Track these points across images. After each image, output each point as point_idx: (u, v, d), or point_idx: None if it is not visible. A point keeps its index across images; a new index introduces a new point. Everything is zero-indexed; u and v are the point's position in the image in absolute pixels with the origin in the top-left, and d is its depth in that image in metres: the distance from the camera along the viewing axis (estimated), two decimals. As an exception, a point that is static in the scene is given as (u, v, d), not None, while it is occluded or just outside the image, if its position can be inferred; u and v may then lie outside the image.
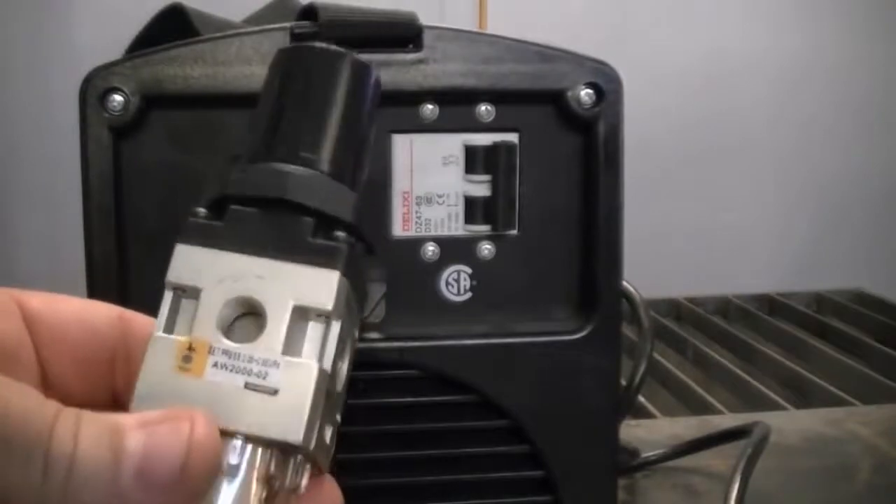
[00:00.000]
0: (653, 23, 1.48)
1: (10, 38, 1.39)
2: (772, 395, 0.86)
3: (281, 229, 0.25)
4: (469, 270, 0.43)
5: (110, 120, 0.40)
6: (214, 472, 0.22)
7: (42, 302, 0.26)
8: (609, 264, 0.43)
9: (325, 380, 0.24)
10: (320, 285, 0.24)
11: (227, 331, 0.24)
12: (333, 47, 0.28)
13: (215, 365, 0.23)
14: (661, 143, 1.45)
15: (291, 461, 0.24)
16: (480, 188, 0.42)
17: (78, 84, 0.40)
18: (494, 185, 0.42)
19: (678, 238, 1.52)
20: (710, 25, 1.50)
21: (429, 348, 0.42)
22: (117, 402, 0.27)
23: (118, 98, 0.40)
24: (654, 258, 1.20)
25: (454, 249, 0.43)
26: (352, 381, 0.27)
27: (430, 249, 0.42)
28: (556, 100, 0.42)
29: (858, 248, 1.56)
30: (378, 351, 0.42)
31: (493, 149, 0.42)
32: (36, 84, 1.39)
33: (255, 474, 0.23)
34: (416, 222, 0.42)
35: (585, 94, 0.42)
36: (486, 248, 0.43)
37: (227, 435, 0.23)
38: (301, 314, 0.24)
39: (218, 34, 0.42)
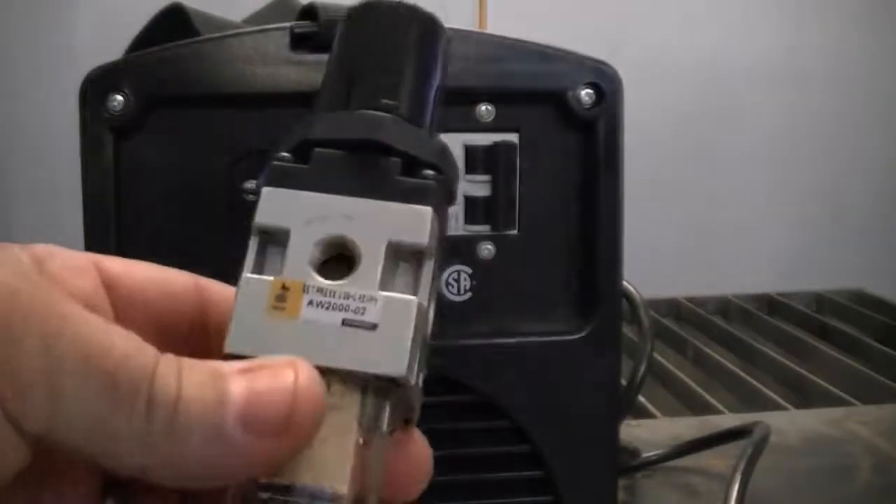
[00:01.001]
0: (653, 23, 1.48)
1: (10, 38, 1.39)
2: (772, 395, 0.86)
3: (369, 170, 0.25)
4: (469, 270, 0.43)
5: (110, 120, 0.40)
6: (319, 419, 0.21)
7: (120, 265, 0.25)
8: (609, 264, 0.43)
9: (423, 316, 0.24)
10: (413, 221, 0.24)
11: (320, 270, 0.24)
12: (405, 2, 0.28)
13: (310, 304, 0.23)
14: (661, 143, 1.45)
15: (388, 405, 0.23)
16: (480, 188, 0.42)
17: (78, 84, 0.40)
18: (494, 185, 0.42)
19: (678, 238, 1.52)
20: (710, 26, 1.50)
21: (429, 348, 0.42)
22: None
23: (118, 98, 0.40)
24: (654, 258, 1.20)
25: (454, 249, 0.43)
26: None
27: (430, 249, 0.42)
28: (556, 100, 0.42)
29: (858, 248, 1.56)
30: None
31: (493, 149, 0.42)
32: (36, 84, 1.39)
33: (357, 415, 0.22)
34: (416, 222, 0.42)
35: (585, 94, 0.42)
36: (486, 248, 0.43)
37: (327, 374, 0.22)
38: (395, 251, 0.24)
39: (218, 34, 0.42)
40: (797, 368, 0.94)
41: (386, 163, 0.25)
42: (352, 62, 0.27)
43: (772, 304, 1.20)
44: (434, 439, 0.43)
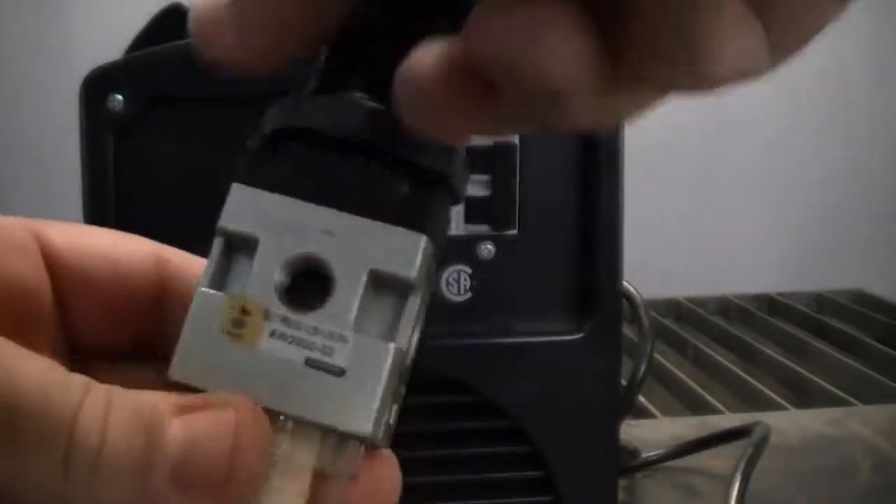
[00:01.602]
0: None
1: (10, 38, 1.39)
2: (772, 395, 0.86)
3: (358, 176, 0.21)
4: (469, 270, 0.43)
5: (110, 120, 0.40)
6: (262, 474, 0.19)
7: (65, 236, 0.22)
8: (609, 264, 0.43)
9: (400, 360, 0.21)
10: (402, 249, 0.20)
11: (288, 292, 0.20)
12: None
13: (272, 334, 0.20)
14: (661, 142, 1.45)
15: (349, 448, 0.21)
16: (480, 188, 0.42)
17: (78, 84, 0.40)
18: (494, 185, 0.42)
19: (678, 238, 1.52)
20: (710, 25, 1.50)
21: (429, 348, 0.42)
22: (145, 349, 0.23)
23: (118, 98, 0.40)
24: (654, 258, 1.20)
25: (454, 249, 0.43)
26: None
27: (430, 249, 0.42)
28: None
29: (858, 248, 1.56)
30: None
31: (493, 149, 0.42)
32: (36, 84, 1.39)
33: (309, 466, 0.20)
34: (416, 222, 0.42)
35: (585, 94, 0.42)
36: (486, 248, 0.43)
37: (279, 420, 0.20)
38: (376, 280, 0.20)
39: (218, 34, 0.42)
40: (797, 368, 0.94)
41: (380, 169, 0.21)
42: (355, 33, 0.21)
43: (772, 304, 1.20)
44: (434, 439, 0.44)
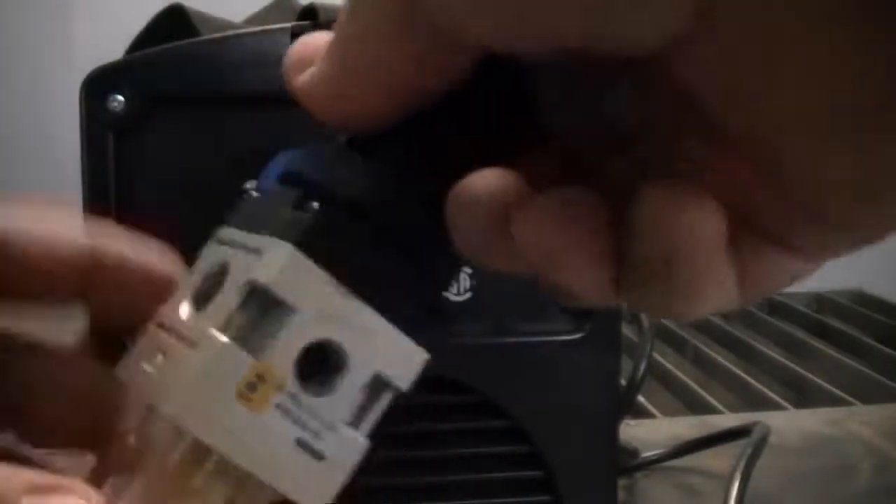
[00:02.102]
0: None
1: (10, 38, 1.39)
2: (772, 395, 0.86)
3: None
4: (469, 270, 0.43)
5: (110, 120, 0.40)
6: None
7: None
8: (609, 264, 0.43)
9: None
10: (407, 361, 0.22)
11: (301, 371, 0.21)
12: None
13: (278, 406, 0.20)
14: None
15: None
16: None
17: (78, 84, 0.40)
18: (494, 185, 0.42)
19: (678, 238, 1.51)
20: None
21: (429, 348, 0.42)
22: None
23: (118, 98, 0.40)
24: (654, 258, 1.20)
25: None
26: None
27: (430, 249, 0.42)
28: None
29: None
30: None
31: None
32: (36, 84, 1.39)
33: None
34: (416, 222, 0.42)
35: (585, 94, 0.42)
36: (486, 248, 0.43)
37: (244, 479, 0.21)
38: (375, 382, 0.22)
39: (218, 34, 0.42)
40: (797, 368, 0.94)
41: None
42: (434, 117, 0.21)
43: (772, 304, 1.20)
44: (434, 439, 0.44)
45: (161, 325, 0.22)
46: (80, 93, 0.40)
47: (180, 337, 0.21)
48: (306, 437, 0.21)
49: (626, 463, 0.60)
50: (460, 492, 0.44)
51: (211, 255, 0.23)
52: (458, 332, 0.43)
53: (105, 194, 0.40)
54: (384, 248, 0.21)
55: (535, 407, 0.43)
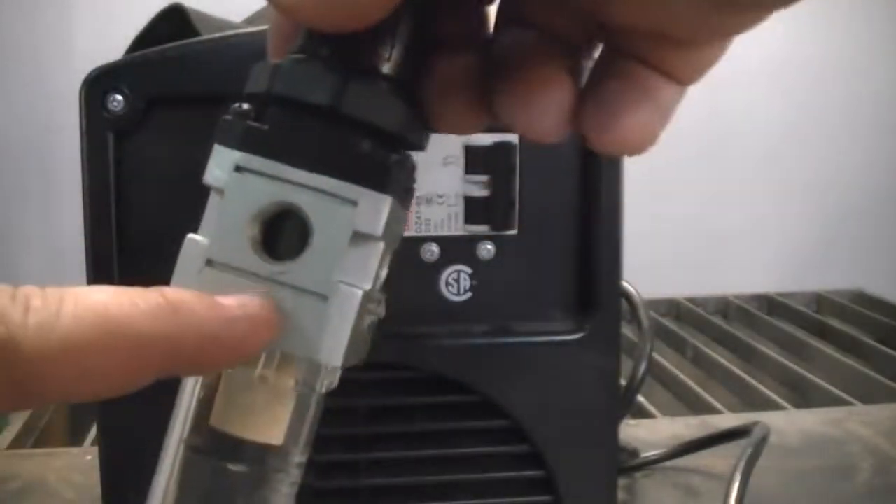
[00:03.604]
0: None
1: (10, 38, 1.39)
2: (772, 395, 0.86)
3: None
4: (469, 270, 0.43)
5: (110, 120, 0.40)
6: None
7: None
8: (609, 264, 0.43)
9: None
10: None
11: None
12: None
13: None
14: (661, 142, 1.45)
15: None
16: (480, 188, 0.42)
17: (78, 84, 0.40)
18: (494, 185, 0.42)
19: (678, 238, 1.52)
20: (710, 25, 1.49)
21: (429, 348, 0.42)
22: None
23: (118, 98, 0.40)
24: (654, 258, 1.20)
25: (454, 249, 0.43)
26: (352, 383, 0.27)
27: (430, 249, 0.42)
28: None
29: (858, 248, 1.56)
30: (378, 351, 0.42)
31: (493, 149, 0.42)
32: (36, 84, 1.39)
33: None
34: (416, 222, 0.42)
35: (585, 94, 0.42)
36: (486, 248, 0.43)
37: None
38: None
39: (218, 34, 0.42)
40: (797, 368, 0.94)
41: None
42: None
43: (771, 304, 1.20)
44: (434, 439, 0.44)
45: (211, 263, 0.24)
46: (80, 93, 0.40)
47: (273, 282, 0.24)
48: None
49: (626, 463, 0.60)
50: (460, 492, 0.44)
51: (248, 190, 0.24)
52: (458, 332, 0.43)
53: (105, 194, 0.40)
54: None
55: (535, 407, 0.43)
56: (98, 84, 0.40)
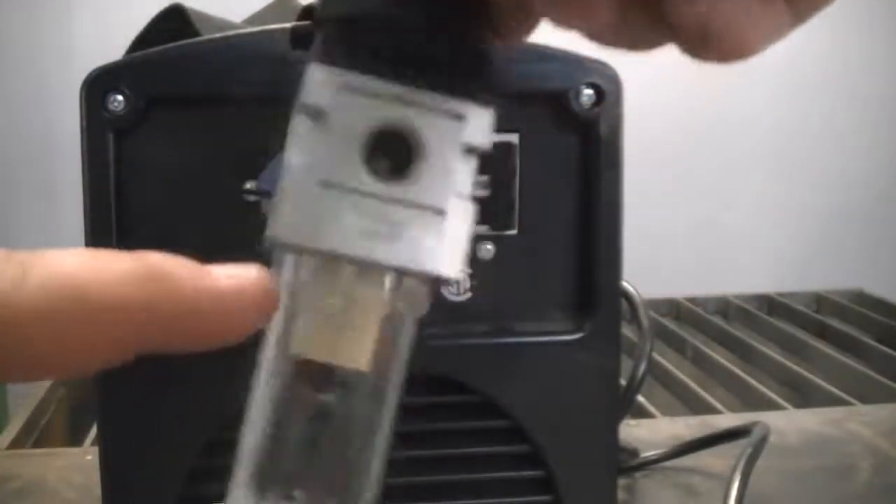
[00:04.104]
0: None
1: (9, 38, 1.39)
2: (772, 395, 0.86)
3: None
4: (469, 270, 0.43)
5: (110, 120, 0.40)
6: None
7: None
8: (608, 264, 0.43)
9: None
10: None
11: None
12: None
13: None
14: (661, 143, 1.45)
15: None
16: (480, 188, 0.42)
17: (78, 84, 0.40)
18: (494, 185, 0.42)
19: (678, 238, 1.52)
20: (710, 25, 1.49)
21: (429, 348, 0.42)
22: None
23: (118, 98, 0.40)
24: (654, 258, 1.20)
25: (454, 249, 0.42)
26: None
27: (430, 249, 0.42)
28: (556, 100, 0.42)
29: (858, 248, 1.56)
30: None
31: (493, 149, 0.42)
32: (36, 84, 1.39)
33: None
34: (416, 222, 0.42)
35: (585, 94, 0.42)
36: (486, 248, 0.43)
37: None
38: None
39: (218, 34, 0.42)
40: (797, 368, 0.94)
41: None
42: None
43: (772, 304, 1.20)
44: (434, 439, 0.44)
45: (324, 183, 0.23)
46: (80, 93, 0.40)
47: (385, 200, 0.23)
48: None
49: (626, 463, 0.60)
50: (460, 491, 0.44)
51: (361, 110, 0.24)
52: (457, 332, 0.43)
53: (105, 194, 0.40)
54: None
55: (535, 407, 0.43)
56: (98, 84, 0.40)
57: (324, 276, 0.24)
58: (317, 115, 0.23)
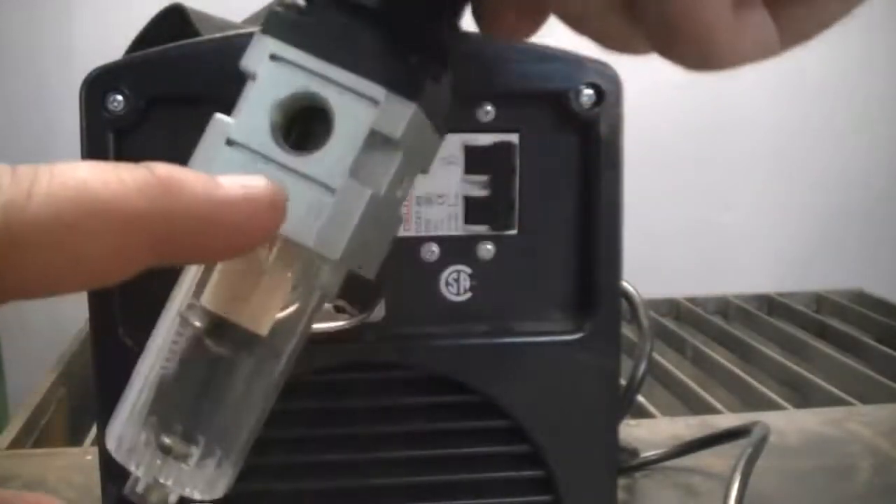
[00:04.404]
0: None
1: (9, 38, 1.39)
2: (772, 395, 0.86)
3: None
4: (469, 270, 0.43)
5: (110, 120, 0.40)
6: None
7: None
8: (609, 264, 0.43)
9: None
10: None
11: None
12: None
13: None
14: (660, 143, 1.45)
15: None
16: (480, 188, 0.42)
17: (78, 84, 0.40)
18: (494, 185, 0.42)
19: (678, 238, 1.52)
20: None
21: (429, 348, 0.42)
22: None
23: (118, 98, 0.40)
24: (654, 258, 1.20)
25: (454, 249, 0.43)
26: (351, 383, 0.27)
27: (430, 249, 0.42)
28: (556, 100, 0.42)
29: (858, 248, 1.56)
30: (378, 351, 0.42)
31: (493, 149, 0.42)
32: (36, 84, 1.39)
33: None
34: (416, 222, 0.42)
35: (586, 94, 0.42)
36: (486, 248, 0.43)
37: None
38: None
39: (218, 34, 0.42)
40: (797, 368, 0.94)
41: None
42: None
43: (772, 304, 1.20)
44: (434, 439, 0.44)
45: (231, 143, 0.25)
46: (80, 93, 0.40)
47: (286, 169, 0.24)
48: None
49: (626, 463, 0.60)
50: (460, 491, 0.44)
51: (278, 78, 0.25)
52: (458, 332, 0.43)
53: (105, 194, 0.40)
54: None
55: (535, 407, 0.43)
56: (98, 84, 0.40)
57: None
58: (251, 78, 0.25)
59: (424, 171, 0.26)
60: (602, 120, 0.42)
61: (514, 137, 0.42)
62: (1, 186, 0.18)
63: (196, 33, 0.44)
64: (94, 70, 0.40)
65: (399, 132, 0.24)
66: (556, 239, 0.43)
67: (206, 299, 0.24)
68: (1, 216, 0.17)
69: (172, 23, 0.45)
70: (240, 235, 0.21)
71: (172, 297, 0.25)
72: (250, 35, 0.41)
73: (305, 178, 0.23)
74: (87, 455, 0.64)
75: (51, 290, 0.19)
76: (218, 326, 0.24)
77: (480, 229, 0.42)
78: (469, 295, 0.43)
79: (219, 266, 0.24)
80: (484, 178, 0.42)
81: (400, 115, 0.24)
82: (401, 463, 0.43)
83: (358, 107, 0.24)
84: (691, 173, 1.53)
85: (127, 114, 0.40)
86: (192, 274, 0.25)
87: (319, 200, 0.23)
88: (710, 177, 1.54)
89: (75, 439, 0.83)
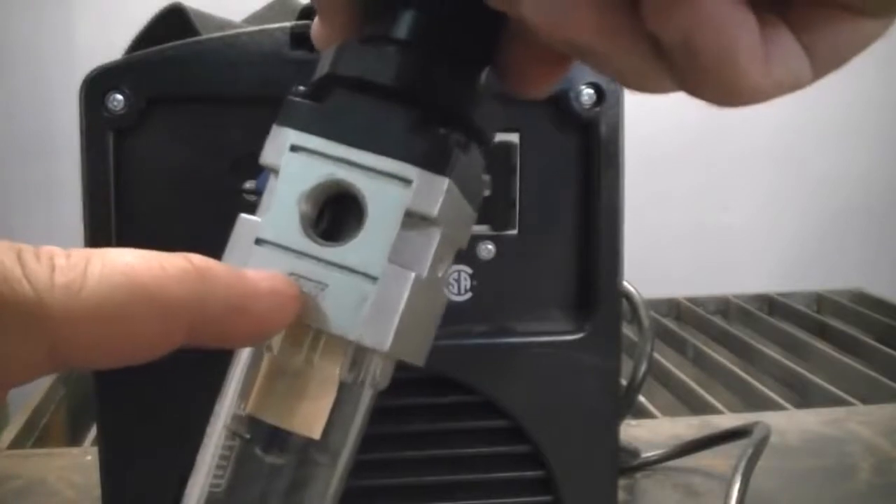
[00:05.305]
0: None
1: (10, 38, 1.39)
2: (772, 395, 0.86)
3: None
4: (469, 270, 0.43)
5: (110, 120, 0.40)
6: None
7: None
8: (609, 264, 0.43)
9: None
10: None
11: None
12: None
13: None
14: (661, 143, 1.45)
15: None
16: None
17: (78, 84, 0.40)
18: (494, 185, 0.42)
19: (678, 238, 1.52)
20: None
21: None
22: None
23: (118, 98, 0.40)
24: (654, 258, 1.20)
25: (454, 249, 0.42)
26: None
27: (430, 249, 0.42)
28: (556, 100, 0.42)
29: (858, 248, 1.56)
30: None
31: (493, 149, 0.42)
32: (36, 84, 1.39)
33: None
34: (416, 222, 0.42)
35: (586, 94, 0.42)
36: (486, 248, 0.43)
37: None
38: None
39: (218, 34, 0.42)
40: (797, 368, 0.94)
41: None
42: None
43: (772, 304, 1.20)
44: (435, 439, 0.43)
45: (260, 242, 0.24)
46: (80, 93, 0.40)
47: (322, 262, 0.23)
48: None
49: (627, 463, 0.60)
50: (460, 492, 0.44)
51: (302, 169, 0.24)
52: (458, 332, 0.43)
53: (105, 194, 0.40)
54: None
55: (535, 407, 0.43)
56: (98, 84, 0.40)
57: (286, 340, 0.23)
58: (273, 173, 0.24)
59: (462, 246, 0.25)
60: (602, 120, 0.42)
61: (514, 137, 0.42)
62: (60, 267, 0.19)
63: (196, 33, 0.44)
64: (94, 70, 0.40)
65: (435, 210, 0.23)
66: (556, 239, 0.43)
67: (253, 408, 0.23)
68: (61, 295, 0.19)
69: (172, 23, 0.45)
70: (265, 322, 0.22)
71: (216, 412, 0.24)
72: (250, 35, 0.41)
73: (343, 269, 0.23)
74: (87, 455, 0.64)
75: (95, 364, 0.20)
76: (268, 435, 0.23)
77: (480, 229, 0.42)
78: (469, 295, 0.43)
79: (262, 371, 0.24)
80: (484, 178, 0.42)
81: (435, 191, 0.23)
82: (401, 463, 0.43)
83: (389, 189, 0.23)
84: (691, 174, 1.53)
85: (127, 113, 0.40)
86: (234, 384, 0.24)
87: (361, 290, 0.22)
88: (710, 177, 1.54)
89: (75, 439, 0.83)
